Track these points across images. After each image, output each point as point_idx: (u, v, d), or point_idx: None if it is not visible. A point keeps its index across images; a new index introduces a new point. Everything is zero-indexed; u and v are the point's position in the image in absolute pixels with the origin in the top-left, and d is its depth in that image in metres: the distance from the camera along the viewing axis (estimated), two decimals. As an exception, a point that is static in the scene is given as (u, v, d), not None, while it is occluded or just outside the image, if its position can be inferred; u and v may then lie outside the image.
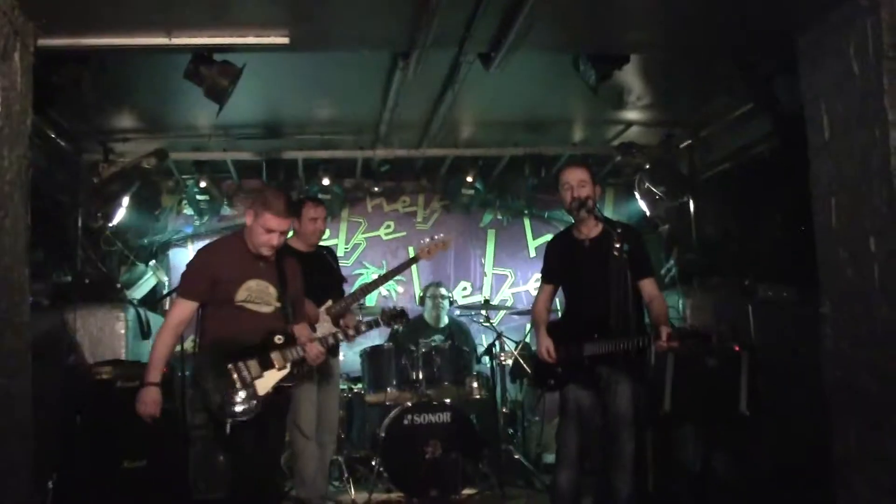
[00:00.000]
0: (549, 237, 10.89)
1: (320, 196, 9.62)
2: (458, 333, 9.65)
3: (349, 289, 7.98)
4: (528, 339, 9.82)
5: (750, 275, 8.28)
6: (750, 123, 8.42)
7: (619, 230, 5.78)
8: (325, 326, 7.08)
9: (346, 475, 8.44)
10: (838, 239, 5.77)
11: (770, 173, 8.48)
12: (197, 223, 10.40)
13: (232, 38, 6.17)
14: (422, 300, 9.89)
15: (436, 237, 8.04)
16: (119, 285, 9.20)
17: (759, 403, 7.41)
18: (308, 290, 6.43)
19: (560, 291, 6.61)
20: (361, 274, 10.76)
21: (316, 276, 6.82)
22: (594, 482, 6.39)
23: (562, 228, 11.02)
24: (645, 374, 6.17)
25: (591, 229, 6.20)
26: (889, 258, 5.29)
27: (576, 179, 6.11)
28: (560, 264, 6.46)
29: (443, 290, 9.82)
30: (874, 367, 5.41)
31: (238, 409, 5.45)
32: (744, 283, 8.07)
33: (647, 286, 6.05)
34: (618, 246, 5.52)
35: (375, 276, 8.08)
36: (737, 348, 7.57)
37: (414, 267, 10.45)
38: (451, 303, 9.96)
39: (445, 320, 9.80)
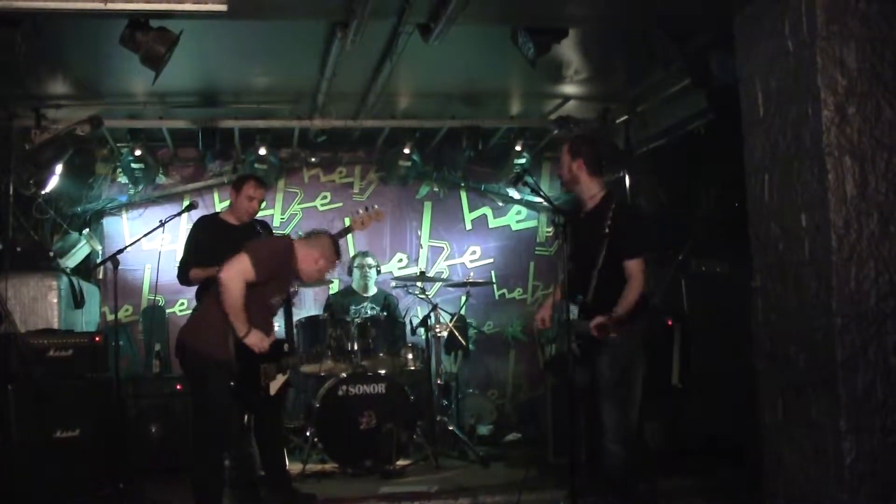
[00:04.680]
0: (485, 210, 11.09)
1: (256, 166, 9.59)
2: (389, 305, 9.73)
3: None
4: (462, 312, 9.87)
5: (683, 249, 8.38)
6: (685, 99, 8.49)
7: (613, 206, 6.00)
8: None
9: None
10: (770, 214, 5.87)
11: (704, 149, 8.58)
12: (131, 192, 10.27)
13: (169, 4, 6.08)
14: (350, 269, 9.91)
15: (369, 208, 8.03)
16: (52, 254, 9.08)
17: (690, 376, 7.53)
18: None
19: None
20: (297, 245, 10.70)
21: None
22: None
23: (499, 202, 11.19)
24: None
25: (588, 201, 6.27)
26: (818, 233, 5.40)
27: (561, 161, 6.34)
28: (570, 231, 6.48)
29: (369, 260, 9.86)
30: (802, 338, 5.53)
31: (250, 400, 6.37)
32: (677, 258, 8.17)
33: (627, 267, 5.99)
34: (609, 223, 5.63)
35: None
36: (670, 322, 7.67)
37: (349, 237, 10.44)
38: (379, 272, 10.00)
39: (374, 289, 9.84)
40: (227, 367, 5.94)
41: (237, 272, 5.89)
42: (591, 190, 6.22)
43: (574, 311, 6.03)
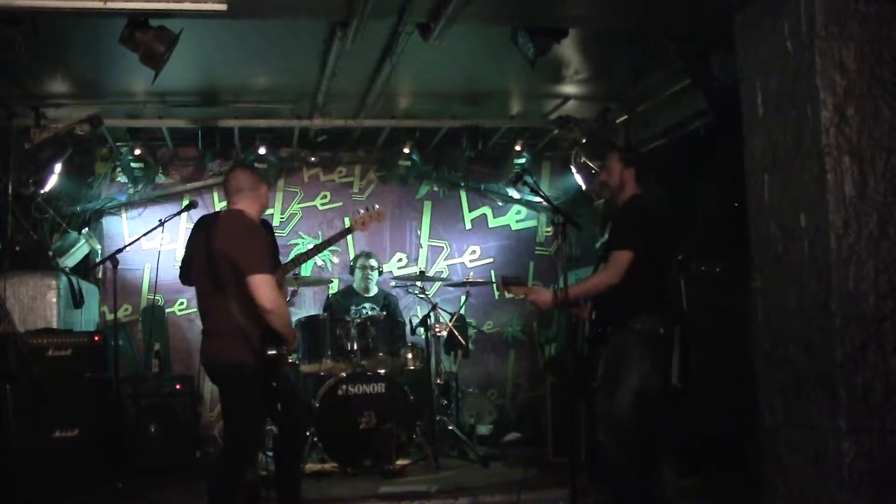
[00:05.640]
0: (485, 210, 11.08)
1: (256, 165, 9.57)
2: (388, 305, 9.73)
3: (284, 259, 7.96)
4: (462, 311, 9.87)
5: (683, 249, 8.37)
6: (685, 100, 8.49)
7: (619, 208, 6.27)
8: None
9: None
10: (770, 214, 5.87)
11: (704, 149, 8.57)
12: (131, 191, 10.26)
13: (168, 3, 6.07)
14: (352, 269, 9.91)
15: (370, 208, 8.04)
16: (51, 253, 9.08)
17: (690, 376, 7.52)
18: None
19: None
20: (297, 244, 10.71)
21: None
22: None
23: (498, 202, 11.19)
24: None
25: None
26: (818, 233, 5.40)
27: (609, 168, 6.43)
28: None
29: (372, 262, 9.86)
30: (802, 338, 5.53)
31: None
32: (677, 258, 8.16)
33: (610, 257, 6.09)
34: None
35: (310, 246, 8.07)
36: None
37: (349, 237, 10.44)
38: (381, 273, 10.01)
39: (375, 290, 9.84)
40: (257, 373, 5.77)
41: (270, 291, 5.65)
42: (628, 194, 6.31)
43: None
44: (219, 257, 5.74)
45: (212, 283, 5.79)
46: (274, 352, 5.81)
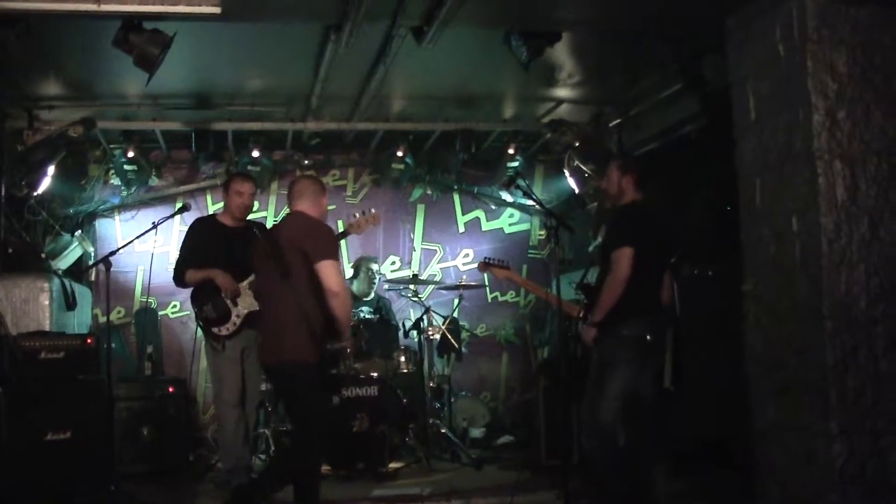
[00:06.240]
0: (478, 213, 11.08)
1: (250, 168, 9.56)
2: (382, 308, 9.72)
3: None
4: (455, 314, 9.87)
5: (676, 253, 8.39)
6: (678, 103, 8.50)
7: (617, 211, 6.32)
8: (246, 301, 7.06)
9: (272, 448, 8.43)
10: (762, 218, 5.89)
11: (697, 153, 8.58)
12: (124, 193, 10.24)
13: (162, 6, 6.09)
14: (356, 272, 9.86)
15: (366, 212, 8.04)
16: (44, 255, 9.05)
17: (682, 378, 7.53)
18: (232, 264, 6.70)
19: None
20: (290, 247, 10.68)
21: (240, 250, 6.79)
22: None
23: (491, 205, 11.19)
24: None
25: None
26: (810, 237, 5.42)
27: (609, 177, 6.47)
28: None
29: (375, 266, 9.85)
30: (793, 341, 5.55)
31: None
32: (670, 262, 8.18)
33: (611, 261, 6.11)
34: None
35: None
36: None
37: (343, 241, 10.43)
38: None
39: (372, 294, 9.82)
40: (317, 368, 6.00)
41: (338, 276, 5.95)
42: (627, 199, 6.35)
43: None
44: (288, 249, 5.96)
45: (279, 274, 5.93)
46: (341, 345, 5.95)
